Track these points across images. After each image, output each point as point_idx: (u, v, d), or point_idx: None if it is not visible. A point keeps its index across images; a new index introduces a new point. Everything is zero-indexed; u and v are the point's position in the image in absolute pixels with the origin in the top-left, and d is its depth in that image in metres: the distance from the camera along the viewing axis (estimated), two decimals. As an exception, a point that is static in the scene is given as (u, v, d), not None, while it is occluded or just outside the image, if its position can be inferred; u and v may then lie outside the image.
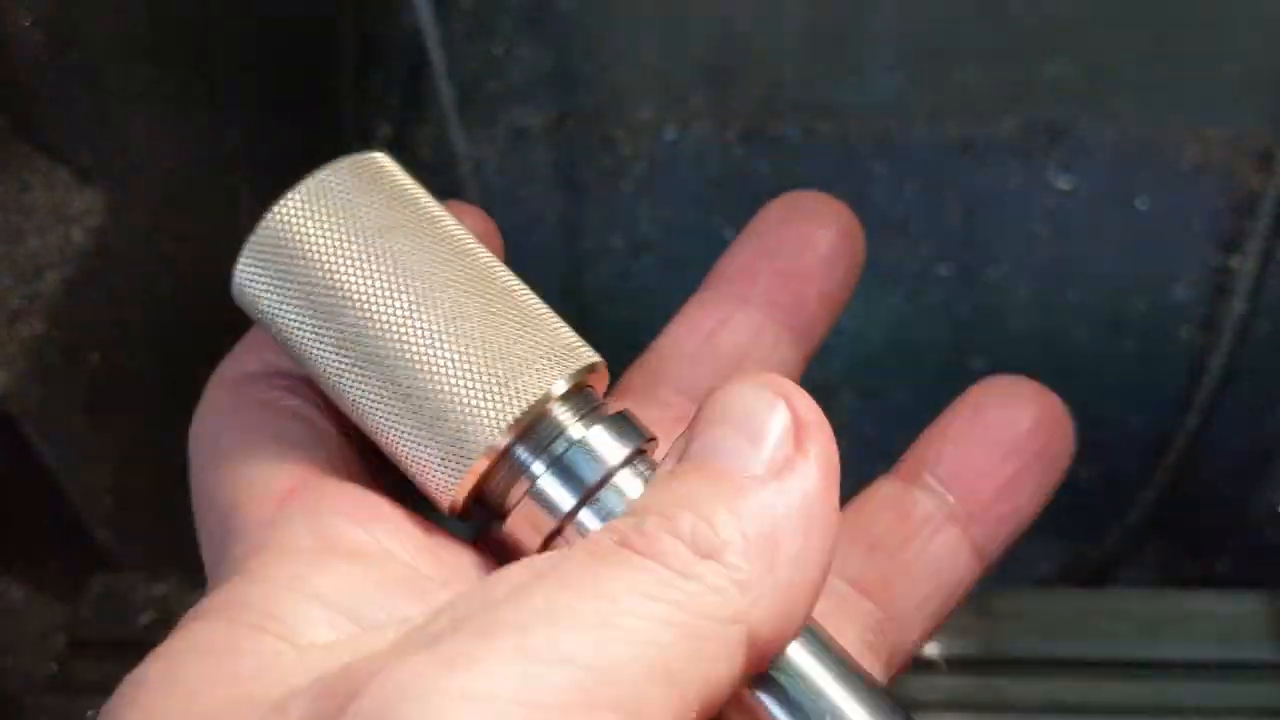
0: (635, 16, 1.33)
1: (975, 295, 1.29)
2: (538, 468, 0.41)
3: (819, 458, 0.35)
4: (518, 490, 0.41)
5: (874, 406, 1.28)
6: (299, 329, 0.41)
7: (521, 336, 0.41)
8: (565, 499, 0.41)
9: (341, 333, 0.40)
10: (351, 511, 0.39)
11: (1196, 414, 1.19)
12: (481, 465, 0.41)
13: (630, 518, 0.35)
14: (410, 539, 0.40)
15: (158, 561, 0.85)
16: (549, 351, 0.42)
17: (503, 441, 0.41)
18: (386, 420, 0.41)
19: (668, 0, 1.33)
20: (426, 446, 0.41)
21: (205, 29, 0.94)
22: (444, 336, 0.40)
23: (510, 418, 0.40)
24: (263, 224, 0.41)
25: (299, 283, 0.41)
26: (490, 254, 0.45)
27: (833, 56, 1.32)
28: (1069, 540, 1.22)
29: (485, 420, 0.40)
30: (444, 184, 1.36)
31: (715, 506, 0.33)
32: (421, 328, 0.40)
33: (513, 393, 0.40)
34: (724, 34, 1.33)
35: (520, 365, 0.41)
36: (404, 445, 0.41)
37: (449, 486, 0.41)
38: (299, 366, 0.43)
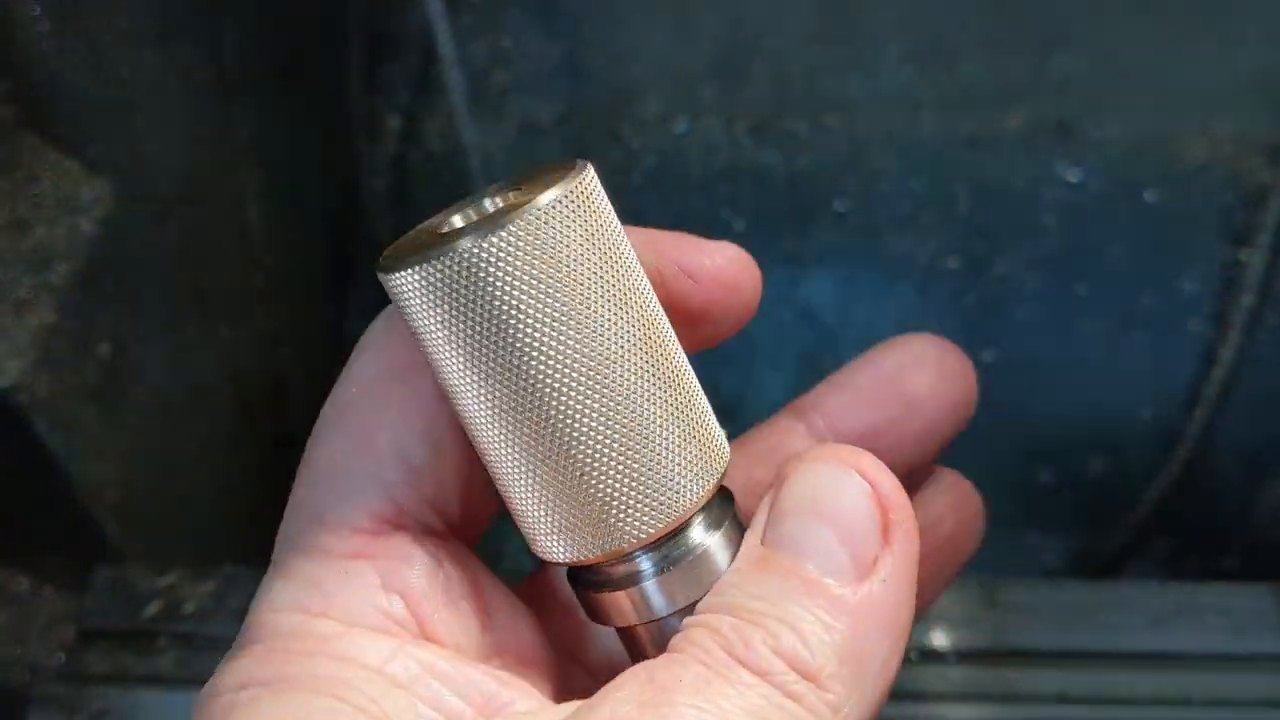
0: (644, 10, 1.33)
1: (984, 287, 1.29)
2: (649, 565, 0.40)
3: (902, 552, 0.39)
4: (622, 570, 0.41)
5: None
6: (460, 361, 0.38)
7: (684, 439, 0.39)
8: (666, 605, 0.40)
9: (509, 384, 0.38)
10: (417, 589, 0.40)
11: (1206, 407, 1.19)
12: (602, 559, 0.40)
13: (730, 617, 0.37)
14: (468, 610, 0.41)
15: (164, 553, 0.85)
16: (702, 458, 0.40)
17: (634, 549, 0.40)
18: (524, 476, 0.39)
19: (676, -7, 1.33)
20: (555, 516, 0.39)
21: (215, 21, 0.94)
22: (616, 424, 0.38)
23: (650, 531, 0.39)
24: (455, 254, 0.36)
25: (480, 323, 0.37)
26: (664, 314, 0.42)
27: (841, 51, 1.32)
28: (1078, 533, 1.22)
29: (627, 525, 0.39)
30: (453, 177, 1.36)
31: (812, 625, 0.37)
32: (597, 407, 0.38)
33: (662, 507, 0.39)
34: (733, 28, 1.33)
35: (677, 476, 0.39)
36: (530, 503, 0.40)
37: (556, 556, 0.40)
38: (438, 379, 0.40)
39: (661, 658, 0.37)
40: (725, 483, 0.43)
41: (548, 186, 0.37)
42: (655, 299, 0.41)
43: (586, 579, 0.42)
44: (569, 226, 0.37)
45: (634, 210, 1.45)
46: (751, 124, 1.34)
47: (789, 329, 1.30)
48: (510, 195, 0.39)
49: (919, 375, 0.50)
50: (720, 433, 0.42)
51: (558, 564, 0.41)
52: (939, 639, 0.78)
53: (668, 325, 0.41)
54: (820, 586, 0.37)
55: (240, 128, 0.99)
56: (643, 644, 0.41)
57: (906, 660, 0.77)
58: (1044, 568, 1.22)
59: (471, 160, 1.19)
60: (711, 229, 1.33)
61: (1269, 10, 1.23)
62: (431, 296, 0.37)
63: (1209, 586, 0.82)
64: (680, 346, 0.42)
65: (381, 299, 0.41)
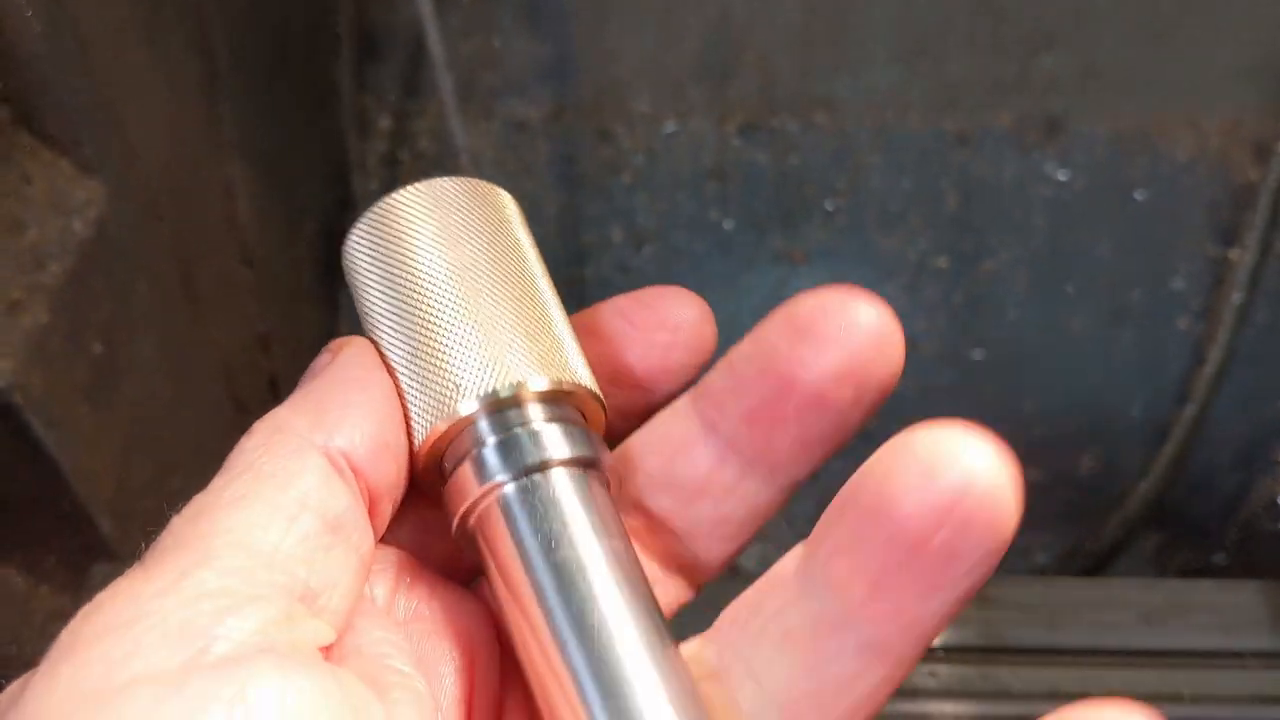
0: (633, 9, 1.33)
1: (973, 286, 1.29)
2: (489, 440, 0.43)
3: None
4: (466, 439, 0.44)
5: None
6: (385, 303, 0.46)
7: (532, 337, 0.44)
8: (500, 468, 0.43)
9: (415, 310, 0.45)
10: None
11: (1195, 404, 1.19)
12: (443, 426, 0.43)
13: None
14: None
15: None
16: (549, 359, 0.44)
17: (469, 410, 0.43)
18: (401, 356, 0.44)
19: (665, -8, 1.33)
20: (418, 394, 0.44)
21: (205, 19, 0.94)
22: (466, 313, 0.44)
23: (483, 390, 0.43)
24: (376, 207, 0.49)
25: (392, 270, 0.48)
26: (551, 287, 0.48)
27: (829, 49, 1.32)
28: (1067, 529, 1.23)
29: (462, 389, 0.43)
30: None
31: None
32: (456, 303, 0.44)
33: (495, 373, 0.43)
34: (721, 27, 1.33)
35: (513, 355, 0.44)
36: (404, 385, 0.44)
37: (418, 434, 0.44)
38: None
39: None
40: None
41: None
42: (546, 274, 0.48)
43: (448, 463, 0.45)
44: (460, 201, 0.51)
45: (624, 209, 1.46)
46: (740, 123, 1.34)
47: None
48: None
49: (798, 348, 0.44)
50: (585, 367, 0.46)
51: (423, 451, 0.44)
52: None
53: (550, 287, 0.48)
54: None
55: (230, 127, 0.99)
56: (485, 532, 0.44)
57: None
58: (1033, 565, 1.22)
59: (461, 160, 1.19)
60: (701, 227, 1.33)
61: (1255, 5, 1.24)
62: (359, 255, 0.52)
63: (1199, 583, 0.82)
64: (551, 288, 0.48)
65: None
